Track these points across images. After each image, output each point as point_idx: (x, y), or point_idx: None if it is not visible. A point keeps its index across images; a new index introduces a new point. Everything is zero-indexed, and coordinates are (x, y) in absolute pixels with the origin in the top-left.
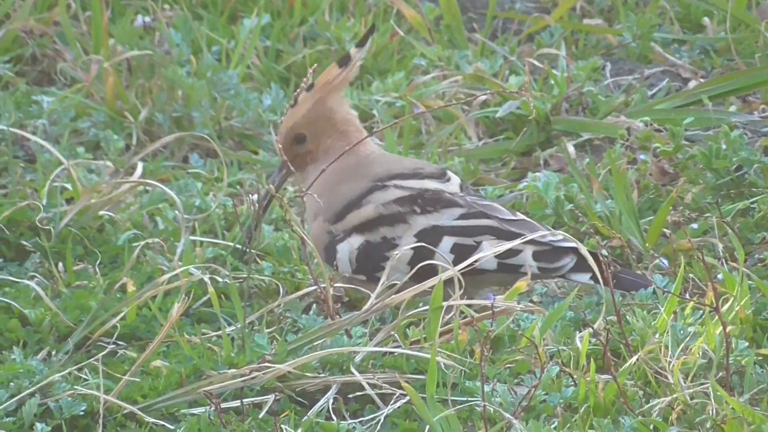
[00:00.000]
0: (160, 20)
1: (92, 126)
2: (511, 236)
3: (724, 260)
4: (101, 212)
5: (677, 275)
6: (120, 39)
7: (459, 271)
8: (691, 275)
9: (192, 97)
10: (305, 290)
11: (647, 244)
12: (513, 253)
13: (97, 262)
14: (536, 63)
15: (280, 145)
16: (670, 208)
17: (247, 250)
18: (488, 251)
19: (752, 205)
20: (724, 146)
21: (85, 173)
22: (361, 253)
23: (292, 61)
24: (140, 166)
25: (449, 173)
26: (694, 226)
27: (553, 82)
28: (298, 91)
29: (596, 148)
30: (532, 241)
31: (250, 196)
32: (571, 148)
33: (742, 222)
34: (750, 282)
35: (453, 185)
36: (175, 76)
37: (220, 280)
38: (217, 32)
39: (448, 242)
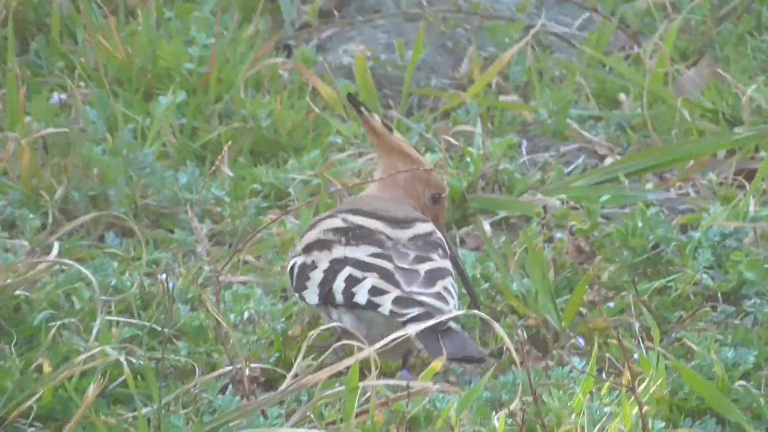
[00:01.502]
0: (76, 97)
1: (8, 204)
2: (390, 279)
3: (640, 339)
4: (17, 292)
5: (593, 355)
6: (36, 116)
7: (376, 349)
8: (607, 354)
9: (108, 175)
10: (221, 371)
11: (563, 323)
12: (380, 292)
13: (13, 342)
14: (452, 140)
15: None
16: (587, 286)
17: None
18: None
19: (669, 284)
20: (640, 224)
21: (1, 252)
22: (298, 270)
23: (207, 138)
24: (56, 245)
25: (420, 225)
26: (611, 304)
27: (469, 159)
28: None
29: (512, 226)
30: (398, 287)
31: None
32: (487, 227)
33: (658, 300)
34: (666, 361)
35: (405, 233)
36: (90, 153)
37: (135, 360)
38: (132, 109)
39: (346, 272)
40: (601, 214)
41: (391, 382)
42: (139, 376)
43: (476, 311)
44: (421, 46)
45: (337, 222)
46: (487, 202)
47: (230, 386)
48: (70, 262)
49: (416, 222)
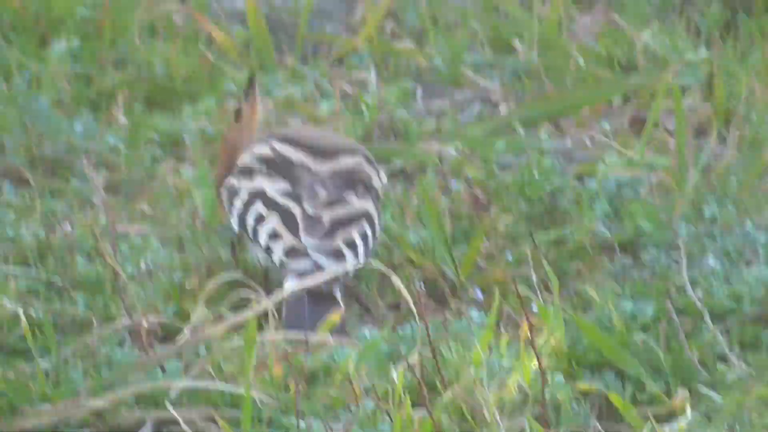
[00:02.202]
0: None
1: None
2: (291, 224)
3: (538, 291)
4: None
5: (493, 307)
6: None
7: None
8: (506, 307)
9: (3, 124)
10: (119, 324)
11: (461, 275)
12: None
13: None
14: (347, 88)
15: None
16: (483, 237)
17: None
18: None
19: (566, 234)
20: (536, 174)
21: None
22: (225, 192)
23: (102, 86)
24: None
25: (351, 158)
26: (509, 256)
27: (364, 107)
28: None
29: (408, 176)
30: (295, 234)
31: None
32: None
33: (556, 252)
34: (565, 314)
35: (324, 167)
36: None
37: (32, 313)
38: (27, 56)
39: (257, 206)
40: (497, 163)
41: (290, 337)
42: (36, 329)
43: (372, 263)
44: None
45: (264, 150)
46: (383, 151)
47: (128, 339)
48: None
49: (339, 156)
